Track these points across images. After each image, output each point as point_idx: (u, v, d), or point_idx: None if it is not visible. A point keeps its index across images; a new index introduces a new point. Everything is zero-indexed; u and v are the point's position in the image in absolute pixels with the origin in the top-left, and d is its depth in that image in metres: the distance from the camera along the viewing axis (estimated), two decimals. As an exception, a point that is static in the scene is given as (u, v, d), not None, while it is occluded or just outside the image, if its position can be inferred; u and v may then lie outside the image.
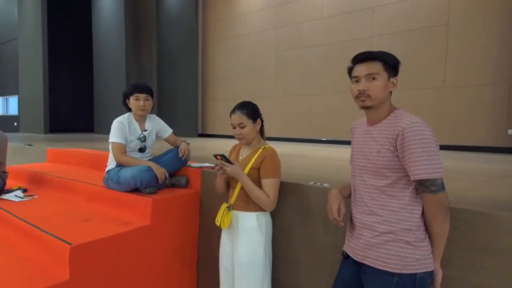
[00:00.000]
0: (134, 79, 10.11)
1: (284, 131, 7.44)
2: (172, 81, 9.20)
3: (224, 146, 5.48)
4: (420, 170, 1.10)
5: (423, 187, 1.13)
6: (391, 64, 1.22)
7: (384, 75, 1.21)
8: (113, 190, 2.31)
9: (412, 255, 1.14)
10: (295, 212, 1.90)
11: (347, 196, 1.41)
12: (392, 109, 1.25)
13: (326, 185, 1.96)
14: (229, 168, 1.65)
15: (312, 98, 7.20)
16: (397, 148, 1.16)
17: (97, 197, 2.40)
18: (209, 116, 9.22)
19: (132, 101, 2.34)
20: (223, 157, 1.66)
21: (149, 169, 2.20)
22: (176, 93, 8.95)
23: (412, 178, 1.13)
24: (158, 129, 2.53)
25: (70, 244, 1.62)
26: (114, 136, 2.26)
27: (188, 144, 2.48)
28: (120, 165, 2.33)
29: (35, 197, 2.66)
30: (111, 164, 2.39)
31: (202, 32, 9.22)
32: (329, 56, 6.92)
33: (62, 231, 1.81)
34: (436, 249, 1.17)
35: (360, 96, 1.23)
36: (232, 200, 1.76)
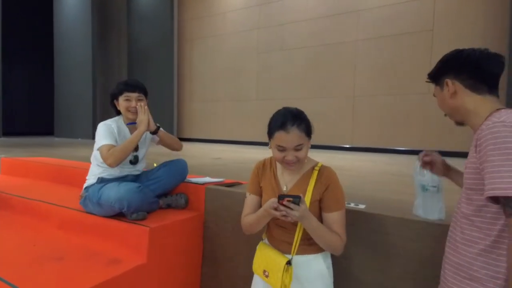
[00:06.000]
0: (100, 77, 9.32)
1: (266, 136, 7.13)
2: (144, 80, 8.31)
3: (211, 152, 5.05)
4: (495, 185, 0.80)
5: (505, 207, 0.81)
6: (450, 65, 1.05)
7: (443, 84, 1.07)
8: (92, 214, 1.85)
9: None
10: (367, 250, 1.51)
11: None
12: (491, 112, 0.93)
13: (361, 206, 1.66)
14: (297, 213, 1.10)
15: (295, 102, 6.91)
16: (478, 158, 0.87)
17: (72, 224, 1.91)
18: (185, 118, 8.69)
19: (121, 102, 1.98)
20: (294, 198, 1.11)
21: (140, 189, 1.80)
22: (149, 93, 8.30)
23: (485, 194, 0.83)
24: (151, 135, 2.08)
25: (43, 304, 1.16)
26: (103, 139, 1.85)
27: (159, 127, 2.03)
28: (102, 180, 1.90)
29: (-14, 223, 2.10)
30: (90, 178, 1.95)
31: (178, 29, 8.68)
32: (313, 59, 6.72)
33: (29, 279, 1.34)
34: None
35: None
36: (294, 249, 1.24)
